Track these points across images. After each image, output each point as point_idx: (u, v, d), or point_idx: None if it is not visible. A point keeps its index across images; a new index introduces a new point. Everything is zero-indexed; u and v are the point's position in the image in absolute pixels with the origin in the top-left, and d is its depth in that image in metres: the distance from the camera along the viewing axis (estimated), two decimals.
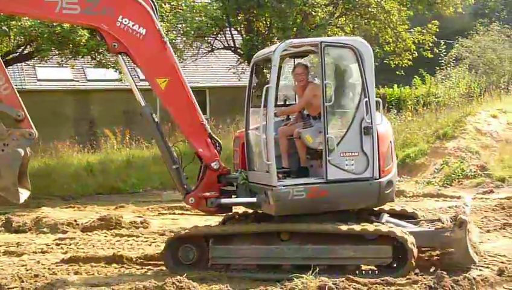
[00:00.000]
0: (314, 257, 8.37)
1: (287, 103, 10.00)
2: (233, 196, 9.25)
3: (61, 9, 8.80)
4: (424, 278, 7.58)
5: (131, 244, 11.10)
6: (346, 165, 8.53)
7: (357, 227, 8.32)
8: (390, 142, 9.14)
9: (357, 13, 22.77)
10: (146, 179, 18.11)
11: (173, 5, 19.95)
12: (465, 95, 24.48)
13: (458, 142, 18.96)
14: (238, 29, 23.50)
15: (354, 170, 8.56)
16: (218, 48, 24.01)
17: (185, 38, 21.86)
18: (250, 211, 9.70)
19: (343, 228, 8.30)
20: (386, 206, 9.54)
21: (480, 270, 8.40)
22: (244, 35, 23.39)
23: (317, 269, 7.62)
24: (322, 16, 21.90)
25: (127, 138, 22.10)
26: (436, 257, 8.81)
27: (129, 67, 9.73)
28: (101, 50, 18.48)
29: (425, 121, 21.63)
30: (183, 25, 21.36)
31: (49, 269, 9.41)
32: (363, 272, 8.41)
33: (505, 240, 10.36)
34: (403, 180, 17.34)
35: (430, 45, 24.58)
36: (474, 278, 7.55)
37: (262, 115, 8.75)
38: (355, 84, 8.78)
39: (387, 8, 22.18)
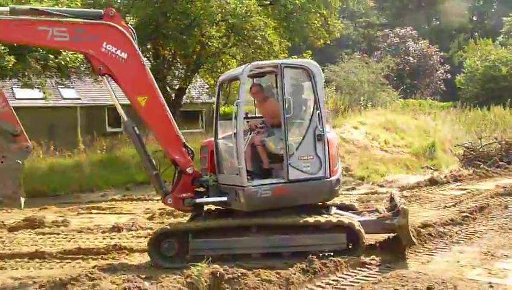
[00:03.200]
0: (280, 246, 8.31)
1: (249, 116, 9.71)
2: (204, 196, 8.97)
3: (52, 36, 8.37)
4: (299, 262, 7.63)
5: (52, 241, 10.56)
6: (304, 166, 8.46)
7: (318, 218, 8.31)
8: (337, 147, 9.18)
9: (245, 44, 22.93)
10: (67, 183, 17.52)
11: None
12: (333, 110, 25.08)
13: None
14: (147, 56, 23.23)
15: (310, 171, 8.49)
16: None
17: None
18: (213, 208, 9.48)
19: (319, 219, 8.29)
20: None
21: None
22: (152, 61, 23.17)
23: (210, 258, 7.45)
24: (217, 46, 21.97)
25: (52, 148, 21.39)
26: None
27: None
28: (26, 73, 17.85)
29: None
30: None
31: None
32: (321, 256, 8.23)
33: None
34: None
35: None
36: (338, 261, 7.70)
37: (233, 126, 8.41)
38: (309, 99, 8.73)
39: (270, 40, 22.50)
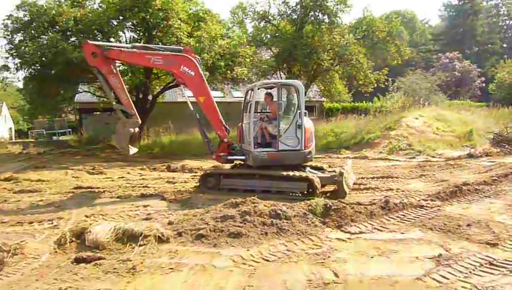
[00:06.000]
0: (271, 187, 8.46)
1: (262, 111, 9.94)
2: (234, 156, 9.37)
3: (153, 61, 9.10)
4: (378, 200, 7.31)
5: None
6: (288, 142, 8.61)
7: (291, 173, 8.40)
8: (311, 132, 9.02)
9: (345, 64, 22.19)
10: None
11: (252, 58, 19.85)
12: (401, 107, 23.69)
13: (397, 131, 18.37)
14: (284, 72, 23.27)
15: (292, 145, 8.63)
16: None
17: (256, 76, 21.83)
18: (238, 163, 9.73)
19: (290, 173, 8.42)
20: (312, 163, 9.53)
21: (407, 198, 8.07)
22: (286, 75, 23.17)
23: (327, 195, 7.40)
24: (327, 65, 21.46)
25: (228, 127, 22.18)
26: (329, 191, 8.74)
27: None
28: (214, 81, 18.57)
29: (379, 120, 21.01)
30: (256, 69, 21.36)
31: (188, 190, 9.53)
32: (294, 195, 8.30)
33: (421, 183, 9.99)
34: (367, 151, 16.86)
35: (383, 80, 23.79)
36: (405, 202, 7.32)
37: (247, 116, 8.95)
38: (295, 103, 8.71)
39: (361, 61, 21.61)
